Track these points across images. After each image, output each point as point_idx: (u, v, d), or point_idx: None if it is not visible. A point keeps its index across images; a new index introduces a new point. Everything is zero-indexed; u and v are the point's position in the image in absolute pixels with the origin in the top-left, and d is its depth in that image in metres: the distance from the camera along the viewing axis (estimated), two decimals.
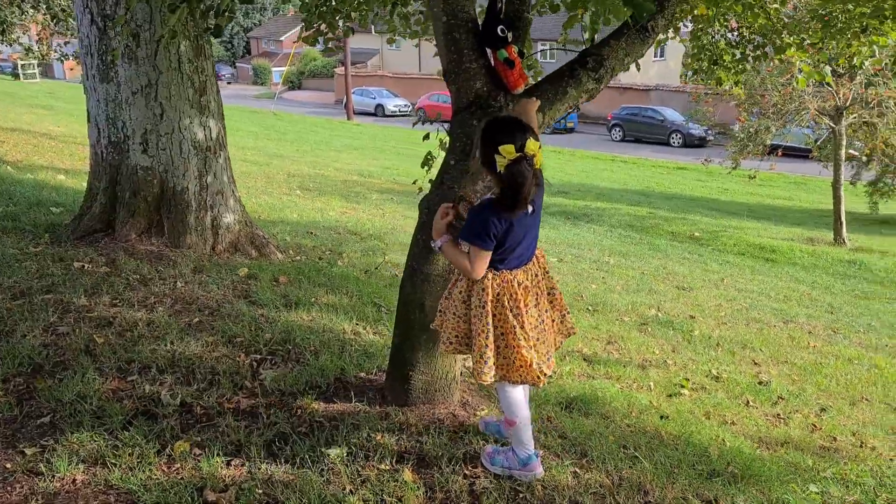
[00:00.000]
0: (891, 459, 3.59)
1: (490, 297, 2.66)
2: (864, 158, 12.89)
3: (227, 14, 3.93)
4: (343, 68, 37.94)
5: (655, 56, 35.71)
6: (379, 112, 36.89)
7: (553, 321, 2.88)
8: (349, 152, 20.48)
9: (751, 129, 12.22)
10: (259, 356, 3.70)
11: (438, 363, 3.18)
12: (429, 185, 3.73)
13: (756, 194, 18.22)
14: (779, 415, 4.10)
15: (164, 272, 4.79)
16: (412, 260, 3.14)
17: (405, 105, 37.47)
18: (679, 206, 14.73)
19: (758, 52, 6.09)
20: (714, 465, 3.05)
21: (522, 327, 2.66)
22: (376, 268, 6.14)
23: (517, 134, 2.55)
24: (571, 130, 32.53)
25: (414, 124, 3.57)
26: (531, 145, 2.52)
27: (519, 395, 2.77)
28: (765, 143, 12.21)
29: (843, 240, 11.77)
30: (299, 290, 4.91)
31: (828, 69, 6.28)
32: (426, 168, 3.59)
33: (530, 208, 2.63)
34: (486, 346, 2.64)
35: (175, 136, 5.25)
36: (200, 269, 4.98)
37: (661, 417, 3.62)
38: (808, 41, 5.85)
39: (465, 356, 3.03)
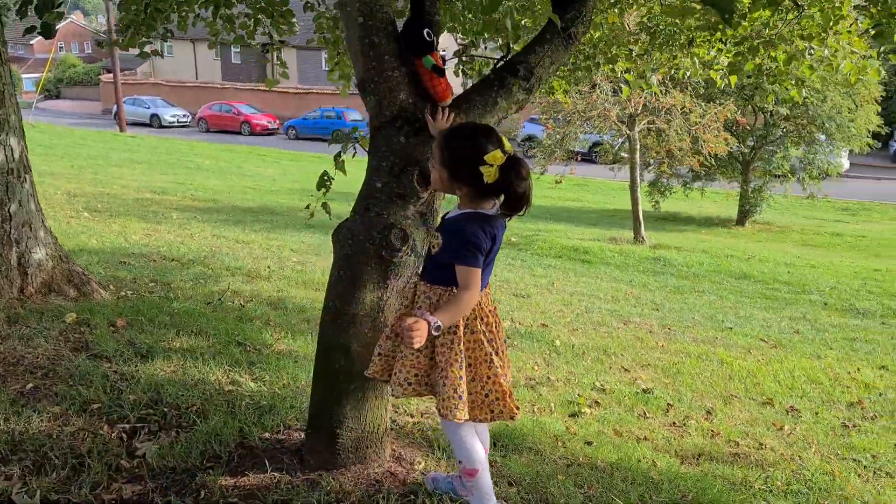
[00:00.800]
0: (791, 458, 3.70)
1: (462, 323, 2.33)
2: (651, 161, 13.97)
3: (57, 11, 3.20)
4: (109, 75, 35.03)
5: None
6: (155, 123, 34.48)
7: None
8: (131, 167, 18.78)
9: (557, 136, 12.78)
10: (128, 425, 3.04)
11: (369, 415, 2.76)
12: (321, 209, 3.32)
13: (548, 197, 19.12)
14: (675, 423, 4.12)
15: None
16: (334, 300, 2.70)
17: (184, 115, 35.37)
18: None
19: (588, 63, 6.20)
20: (668, 494, 2.92)
21: (497, 353, 2.37)
22: (219, 299, 5.48)
23: (492, 136, 2.28)
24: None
25: (330, 143, 3.10)
26: (507, 143, 2.28)
27: (475, 437, 2.45)
28: (570, 149, 12.83)
29: (643, 238, 12.63)
30: (144, 334, 4.20)
31: (654, 79, 6.53)
32: (323, 191, 3.15)
33: (505, 220, 2.37)
34: (461, 377, 2.30)
35: None
36: (15, 318, 4.11)
37: (587, 443, 3.46)
38: (636, 52, 6.04)
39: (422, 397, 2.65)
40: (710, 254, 11.75)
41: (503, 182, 2.26)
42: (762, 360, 5.91)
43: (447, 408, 2.28)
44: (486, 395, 2.35)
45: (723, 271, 10.36)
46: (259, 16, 5.44)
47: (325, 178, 3.12)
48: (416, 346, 2.13)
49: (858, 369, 5.79)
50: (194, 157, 23.62)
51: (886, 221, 19.36)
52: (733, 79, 6.04)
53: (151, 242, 8.38)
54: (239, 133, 33.27)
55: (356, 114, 32.78)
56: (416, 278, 2.54)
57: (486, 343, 2.36)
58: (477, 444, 2.42)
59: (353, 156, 2.98)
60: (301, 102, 36.01)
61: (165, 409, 3.16)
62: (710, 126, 12.15)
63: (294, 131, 32.87)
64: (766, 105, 14.41)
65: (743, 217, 16.86)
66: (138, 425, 3.04)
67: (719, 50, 5.64)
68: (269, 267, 7.53)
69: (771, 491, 3.14)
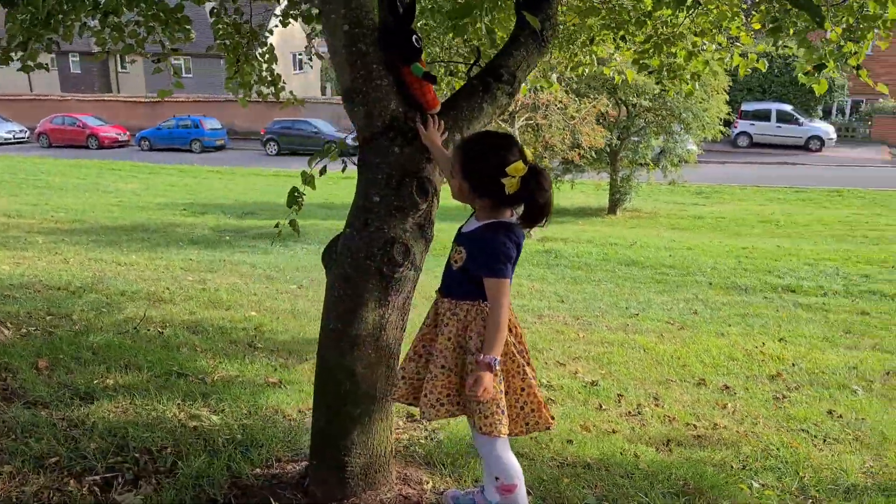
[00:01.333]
0: (747, 434, 3.89)
1: None
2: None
3: None
4: None
5: (295, 69, 35.95)
6: None
7: None
8: None
9: None
10: (97, 476, 2.75)
11: (376, 438, 2.65)
12: (288, 227, 3.16)
13: None
14: (630, 413, 4.22)
15: None
16: (335, 321, 2.56)
17: (21, 130, 32.76)
18: None
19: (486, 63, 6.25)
20: (669, 485, 2.99)
21: (529, 364, 2.35)
22: (135, 328, 5.11)
23: (512, 147, 2.25)
24: (222, 148, 31.30)
25: (322, 157, 2.92)
26: (528, 153, 2.26)
27: (511, 451, 2.41)
28: None
29: (530, 232, 12.93)
30: (74, 374, 3.85)
31: (554, 76, 6.67)
32: (294, 208, 2.98)
33: (524, 230, 2.35)
34: (501, 391, 2.26)
35: None
36: None
37: (568, 442, 3.48)
38: None
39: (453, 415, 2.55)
40: (595, 243, 12.19)
41: (524, 192, 2.25)
42: (678, 342, 6.19)
43: (491, 424, 2.23)
44: (522, 408, 2.32)
45: (611, 259, 10.77)
46: (151, 23, 5.11)
47: (296, 194, 2.96)
48: (488, 397, 2.16)
49: (764, 343, 6.18)
50: (42, 176, 21.95)
51: (735, 202, 20.85)
52: (630, 74, 6.28)
53: (26, 272, 7.71)
54: (86, 147, 31.18)
55: (215, 122, 31.60)
56: (437, 295, 2.47)
57: (517, 354, 2.33)
58: (514, 459, 2.38)
59: (343, 170, 2.84)
60: (152, 112, 34.22)
61: (136, 455, 2.90)
62: (585, 120, 12.63)
63: (147, 143, 31.19)
64: (629, 98, 15.14)
65: (614, 206, 17.65)
66: (109, 476, 2.77)
67: (617, 48, 5.81)
68: (167, 288, 7.11)
69: (751, 469, 3.29)
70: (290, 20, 5.66)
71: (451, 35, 3.62)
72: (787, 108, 29.54)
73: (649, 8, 5.09)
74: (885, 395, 4.77)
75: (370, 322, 2.56)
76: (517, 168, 2.22)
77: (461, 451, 3.14)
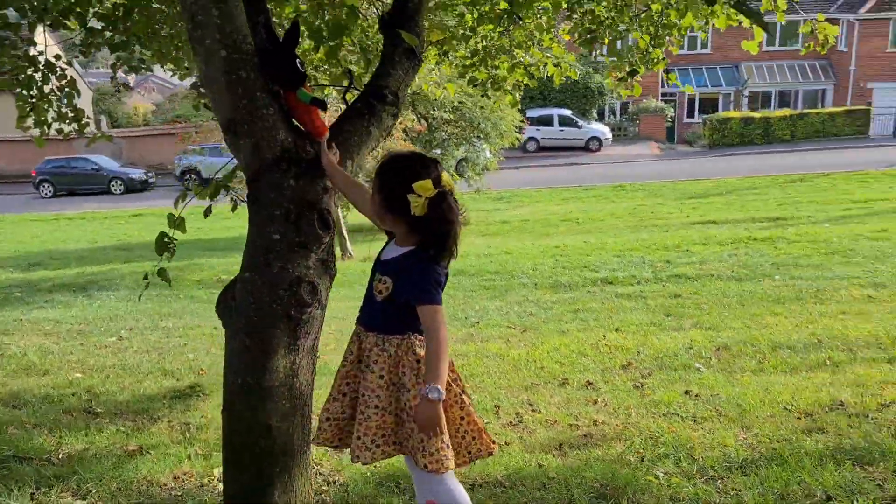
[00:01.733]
0: (627, 426, 4.04)
1: None
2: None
3: None
4: None
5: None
6: None
7: None
8: None
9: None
10: None
11: (297, 496, 2.43)
12: (156, 278, 2.85)
13: (228, 228, 18.37)
14: (512, 423, 4.24)
15: None
16: (242, 375, 2.32)
17: None
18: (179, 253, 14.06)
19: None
20: (586, 491, 3.01)
21: (465, 391, 2.26)
22: None
23: (430, 166, 2.14)
24: None
25: (198, 195, 2.61)
26: (446, 177, 2.16)
27: (459, 483, 2.30)
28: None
29: (351, 253, 12.77)
30: None
31: None
32: (166, 256, 2.69)
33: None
34: (444, 424, 2.14)
35: None
36: None
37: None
38: (357, 71, 6.12)
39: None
40: None
41: (434, 216, 2.14)
42: (527, 345, 6.34)
43: (438, 461, 2.11)
44: (463, 437, 2.23)
45: None
46: None
47: (166, 240, 2.67)
48: (441, 433, 2.08)
49: (604, 336, 6.50)
50: None
51: (534, 204, 22.03)
52: (451, 88, 6.40)
53: None
54: None
55: None
56: (358, 328, 2.31)
57: (452, 383, 2.23)
58: (462, 490, 2.28)
59: (234, 209, 2.59)
60: None
61: None
62: (394, 136, 12.72)
63: None
64: (430, 111, 15.48)
65: None
66: None
67: (438, 63, 5.90)
68: None
69: (648, 460, 3.41)
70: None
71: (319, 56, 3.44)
72: (567, 112, 31.76)
73: (470, 24, 5.20)
74: (723, 369, 5.18)
75: (281, 370, 2.35)
76: (424, 187, 2.11)
77: (372, 493, 2.98)
